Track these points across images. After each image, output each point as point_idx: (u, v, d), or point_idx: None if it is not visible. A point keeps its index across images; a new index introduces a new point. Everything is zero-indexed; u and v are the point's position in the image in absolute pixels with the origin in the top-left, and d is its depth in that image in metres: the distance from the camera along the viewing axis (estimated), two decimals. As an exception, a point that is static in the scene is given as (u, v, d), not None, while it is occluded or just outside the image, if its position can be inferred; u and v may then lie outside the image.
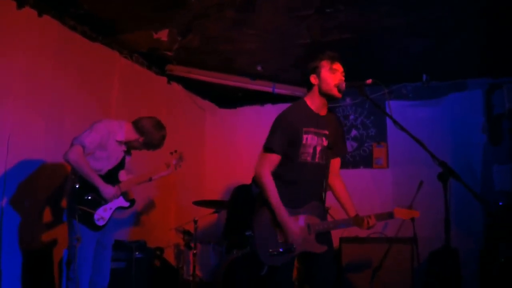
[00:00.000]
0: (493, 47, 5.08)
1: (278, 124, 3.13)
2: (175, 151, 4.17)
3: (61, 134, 4.36)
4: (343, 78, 3.10)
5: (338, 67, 3.13)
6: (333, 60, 3.13)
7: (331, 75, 3.09)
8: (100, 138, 3.63)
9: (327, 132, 3.18)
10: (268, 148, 3.11)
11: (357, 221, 3.15)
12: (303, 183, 3.12)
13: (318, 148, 3.14)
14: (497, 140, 5.73)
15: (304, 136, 3.09)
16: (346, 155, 6.37)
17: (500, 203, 5.20)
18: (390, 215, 3.19)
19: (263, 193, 3.07)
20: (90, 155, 3.61)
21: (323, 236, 3.12)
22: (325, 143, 3.17)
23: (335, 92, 3.08)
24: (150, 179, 4.05)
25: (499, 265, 4.78)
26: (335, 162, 3.34)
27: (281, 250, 3.00)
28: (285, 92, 6.43)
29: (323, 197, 3.23)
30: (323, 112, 3.20)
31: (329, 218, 4.85)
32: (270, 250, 3.00)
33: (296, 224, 3.02)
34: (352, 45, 5.07)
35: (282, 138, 3.07)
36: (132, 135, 3.84)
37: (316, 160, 3.15)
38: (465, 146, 5.83)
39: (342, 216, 3.31)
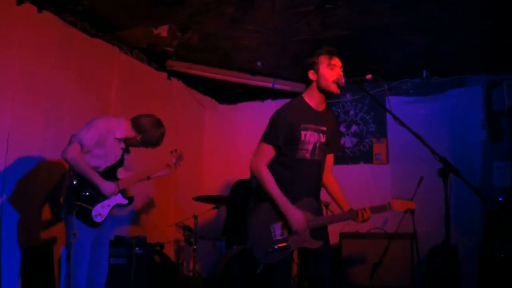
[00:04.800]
0: (493, 44, 5.07)
1: (276, 120, 3.13)
2: (175, 150, 4.14)
3: (61, 130, 4.35)
4: (342, 73, 3.10)
5: (336, 62, 3.12)
6: (331, 55, 3.11)
7: (330, 71, 3.08)
8: (98, 136, 3.61)
9: (325, 129, 3.17)
10: (264, 140, 3.12)
11: (352, 215, 3.14)
12: (300, 180, 3.12)
13: (317, 145, 3.14)
14: (497, 136, 5.73)
15: (303, 133, 3.08)
16: (340, 151, 6.37)
17: (500, 199, 5.21)
18: (385, 207, 3.17)
19: (261, 184, 3.07)
20: (88, 153, 3.59)
21: (319, 232, 3.11)
22: (323, 139, 3.17)
23: (333, 88, 3.08)
24: (149, 178, 4.03)
25: (498, 261, 4.79)
26: (329, 159, 3.34)
27: (276, 247, 2.99)
28: (285, 87, 6.42)
29: (318, 192, 3.24)
30: (321, 108, 3.19)
31: (328, 214, 4.87)
32: (265, 248, 3.00)
33: (299, 211, 3.01)
34: (353, 41, 5.06)
35: (279, 133, 3.07)
36: (131, 133, 3.83)
37: (315, 157, 3.14)
38: (465, 143, 5.83)
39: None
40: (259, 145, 3.14)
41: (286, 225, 3.03)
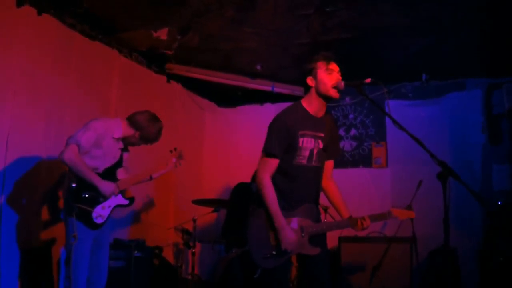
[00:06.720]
0: (493, 45, 5.07)
1: (274, 128, 3.10)
2: (175, 149, 4.15)
3: (60, 132, 4.33)
4: (340, 78, 3.08)
5: (334, 67, 3.10)
6: (328, 60, 3.10)
7: (328, 76, 3.06)
8: (96, 136, 3.61)
9: (323, 135, 3.15)
10: (267, 153, 3.09)
11: (351, 222, 3.12)
12: (298, 186, 3.10)
13: (315, 151, 3.12)
14: (497, 140, 5.73)
15: (300, 140, 3.07)
16: (339, 157, 6.38)
17: (499, 203, 5.21)
18: (385, 216, 3.14)
19: (262, 198, 3.04)
20: (86, 154, 3.59)
21: (317, 238, 3.09)
22: (321, 145, 3.15)
23: (332, 93, 3.05)
24: (151, 178, 4.03)
25: (498, 264, 4.79)
26: (329, 165, 3.32)
27: (274, 253, 2.98)
28: (284, 91, 6.43)
29: (318, 199, 3.23)
30: (320, 114, 3.17)
31: (328, 218, 4.88)
32: (264, 253, 2.99)
33: (292, 232, 2.99)
34: (352, 44, 5.07)
35: (280, 141, 3.05)
36: (129, 131, 3.83)
37: (313, 163, 3.13)
38: (465, 146, 5.83)
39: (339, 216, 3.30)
40: (262, 156, 3.12)
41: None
